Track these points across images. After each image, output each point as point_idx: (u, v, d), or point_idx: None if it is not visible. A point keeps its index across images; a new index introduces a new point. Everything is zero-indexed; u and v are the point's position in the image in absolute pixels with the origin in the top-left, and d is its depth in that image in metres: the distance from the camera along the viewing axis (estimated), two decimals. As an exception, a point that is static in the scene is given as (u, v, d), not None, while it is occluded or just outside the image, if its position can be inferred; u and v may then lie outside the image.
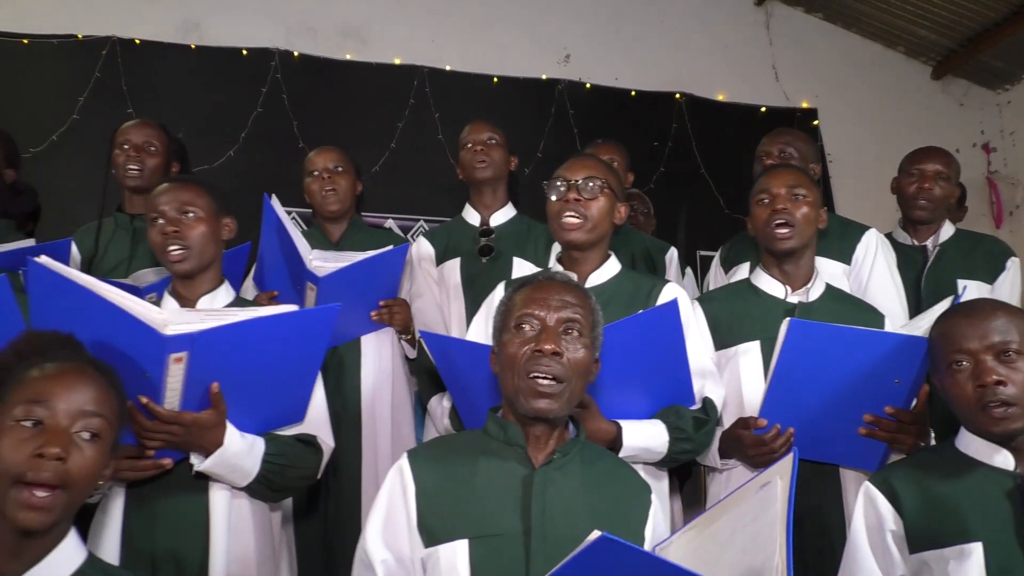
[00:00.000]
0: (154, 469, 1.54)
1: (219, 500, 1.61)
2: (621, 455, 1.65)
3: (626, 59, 4.81)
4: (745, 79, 4.92)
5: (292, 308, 1.62)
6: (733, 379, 1.89)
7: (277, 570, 1.80)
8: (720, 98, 4.84)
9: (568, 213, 1.83)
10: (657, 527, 1.41)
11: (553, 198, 1.87)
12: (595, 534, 1.03)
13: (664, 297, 1.84)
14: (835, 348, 1.67)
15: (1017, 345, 1.43)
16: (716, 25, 5.01)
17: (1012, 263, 2.51)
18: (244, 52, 4.28)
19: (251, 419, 1.60)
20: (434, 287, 2.50)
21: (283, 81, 4.28)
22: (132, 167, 2.39)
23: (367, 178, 3.01)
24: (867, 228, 2.30)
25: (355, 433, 2.30)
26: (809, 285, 1.95)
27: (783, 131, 2.54)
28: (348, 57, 4.44)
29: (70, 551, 1.18)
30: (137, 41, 4.16)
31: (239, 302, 1.79)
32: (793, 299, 1.94)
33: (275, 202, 2.14)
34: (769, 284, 1.97)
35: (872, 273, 2.19)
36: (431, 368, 2.06)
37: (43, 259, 1.45)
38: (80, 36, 4.11)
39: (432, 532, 1.31)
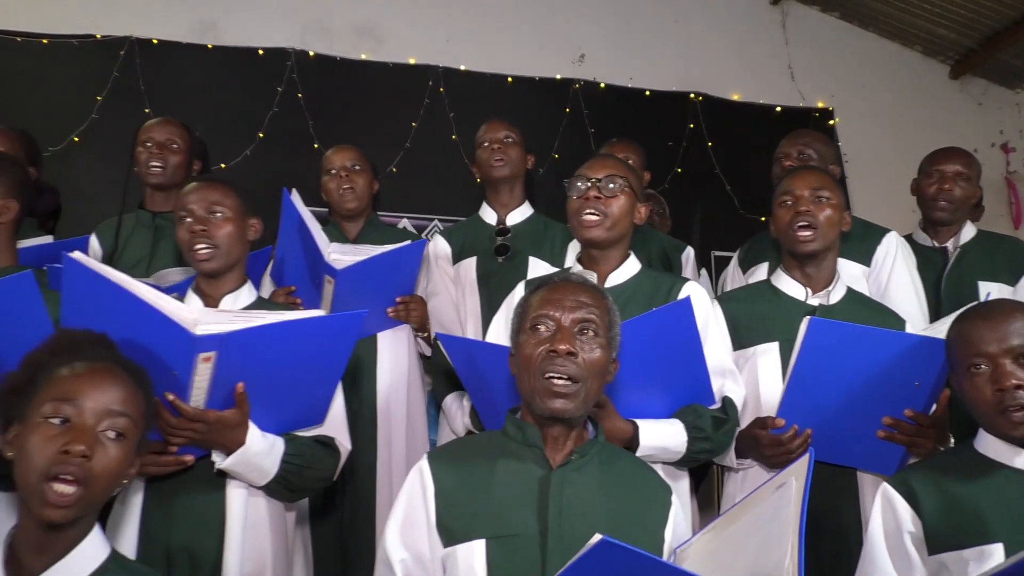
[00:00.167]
0: (176, 465, 1.56)
1: (236, 498, 1.62)
2: (638, 454, 1.64)
3: (641, 59, 4.80)
4: (760, 79, 4.90)
5: (320, 312, 1.63)
6: (751, 380, 1.88)
7: (291, 569, 1.81)
8: (735, 98, 4.83)
9: (588, 211, 1.83)
10: (678, 528, 1.41)
11: (574, 196, 1.87)
12: (596, 537, 1.04)
13: (684, 295, 1.82)
14: (855, 348, 1.66)
15: None
16: (731, 24, 4.99)
17: None
18: (260, 52, 4.31)
19: (273, 419, 1.62)
20: (450, 285, 2.51)
21: (299, 81, 4.31)
22: (155, 164, 2.41)
23: (382, 178, 3.03)
24: (887, 231, 2.28)
25: (371, 432, 2.30)
26: (830, 288, 1.94)
27: (802, 132, 2.53)
28: (363, 57, 4.46)
29: (94, 547, 1.20)
30: (155, 41, 4.20)
31: (260, 302, 1.81)
32: (813, 301, 1.93)
33: (295, 196, 2.15)
34: (790, 286, 1.97)
35: (892, 276, 2.18)
36: (446, 367, 2.07)
37: (76, 254, 1.46)
38: (99, 36, 4.15)
39: (450, 532, 1.32)
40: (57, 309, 1.60)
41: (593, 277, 1.84)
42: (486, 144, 2.54)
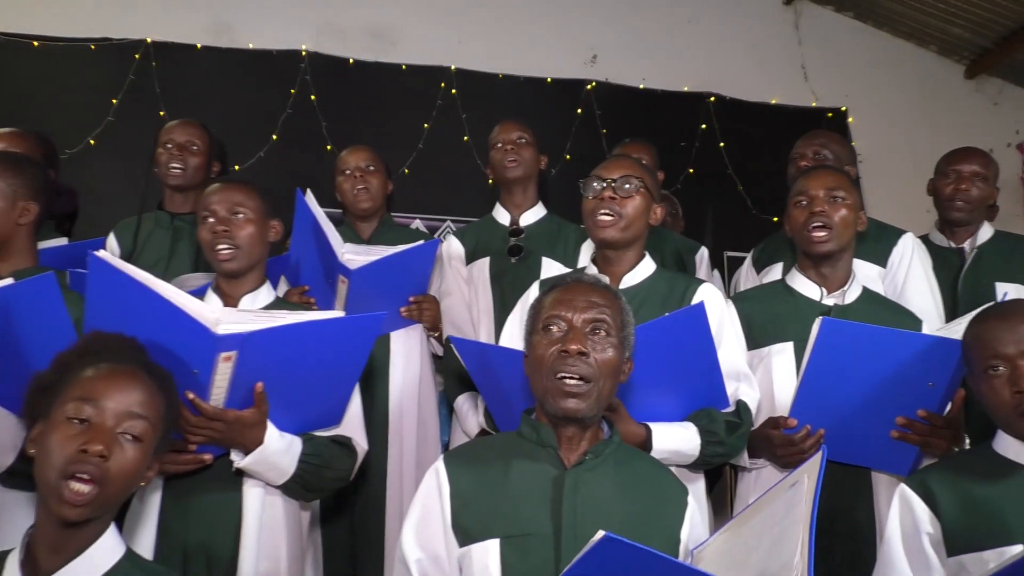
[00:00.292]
0: (195, 463, 1.58)
1: (253, 497, 1.64)
2: None
3: (653, 59, 4.80)
4: (773, 79, 4.89)
5: (339, 313, 1.64)
6: (765, 380, 1.88)
7: (305, 568, 1.82)
8: (748, 99, 4.81)
9: (603, 211, 1.83)
10: (694, 529, 1.41)
11: (589, 196, 1.87)
12: (600, 534, 1.04)
13: (698, 297, 1.83)
14: (867, 348, 1.66)
15: None
16: (744, 25, 4.98)
17: None
18: (274, 54, 4.33)
19: (291, 419, 1.63)
20: (463, 285, 2.51)
21: (312, 83, 4.33)
22: (175, 166, 2.43)
23: (395, 179, 3.04)
24: (903, 232, 2.27)
25: (382, 432, 2.31)
26: (845, 288, 1.93)
27: (818, 133, 2.52)
28: (376, 58, 4.47)
29: (109, 546, 1.21)
30: (170, 43, 4.23)
31: (279, 302, 1.82)
32: (828, 301, 1.92)
33: (309, 197, 2.16)
34: (805, 286, 1.96)
35: (908, 277, 2.16)
36: (459, 368, 2.08)
37: (102, 253, 1.48)
38: (115, 39, 4.18)
39: (466, 532, 1.33)
40: (78, 310, 1.62)
41: (604, 280, 1.84)
42: (499, 145, 2.55)
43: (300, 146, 4.23)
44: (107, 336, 1.36)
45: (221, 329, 1.46)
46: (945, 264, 2.46)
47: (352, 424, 1.76)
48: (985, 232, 2.56)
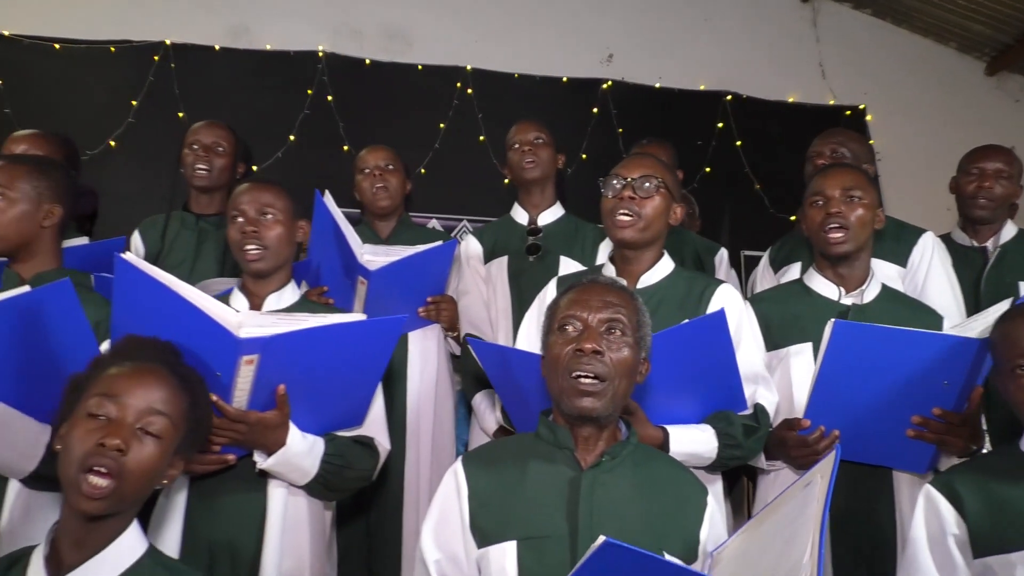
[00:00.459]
0: (219, 464, 1.59)
1: (277, 497, 1.65)
2: None
3: (670, 58, 4.78)
4: (791, 77, 4.86)
5: (360, 316, 1.66)
6: (784, 380, 1.87)
7: (328, 567, 1.84)
8: (765, 97, 4.78)
9: (622, 211, 1.82)
10: (714, 529, 1.40)
11: (608, 195, 1.86)
12: (600, 539, 1.04)
13: (717, 298, 1.83)
14: (881, 349, 1.65)
15: None
16: (761, 23, 4.95)
17: None
18: (291, 55, 4.36)
19: (313, 420, 1.64)
20: (481, 285, 2.52)
21: (329, 83, 4.35)
22: (200, 167, 2.45)
23: (412, 179, 3.04)
24: (923, 231, 2.25)
25: (400, 433, 2.32)
26: (864, 287, 1.92)
27: (835, 131, 2.50)
28: (392, 59, 4.49)
29: (131, 542, 1.22)
30: (188, 45, 4.26)
31: (303, 301, 1.84)
32: (847, 301, 1.91)
33: (328, 198, 2.17)
34: (823, 286, 1.94)
35: (928, 275, 2.15)
36: (476, 367, 2.08)
37: (128, 256, 1.50)
38: (134, 41, 4.22)
39: (484, 533, 1.34)
40: (101, 312, 1.64)
41: (621, 281, 1.83)
42: (516, 146, 2.55)
43: (317, 146, 4.25)
44: (142, 339, 1.38)
45: (243, 332, 1.48)
46: (968, 263, 2.44)
47: (375, 424, 1.77)
48: (1008, 231, 2.54)
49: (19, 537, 1.55)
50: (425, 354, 2.39)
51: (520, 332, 1.96)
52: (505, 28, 4.66)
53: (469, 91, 4.50)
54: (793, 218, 4.20)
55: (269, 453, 1.58)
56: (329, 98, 4.34)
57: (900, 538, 1.74)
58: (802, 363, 1.86)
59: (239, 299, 1.80)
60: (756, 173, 4.66)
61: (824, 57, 4.97)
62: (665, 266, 1.90)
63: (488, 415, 2.29)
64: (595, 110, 4.59)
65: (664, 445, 1.67)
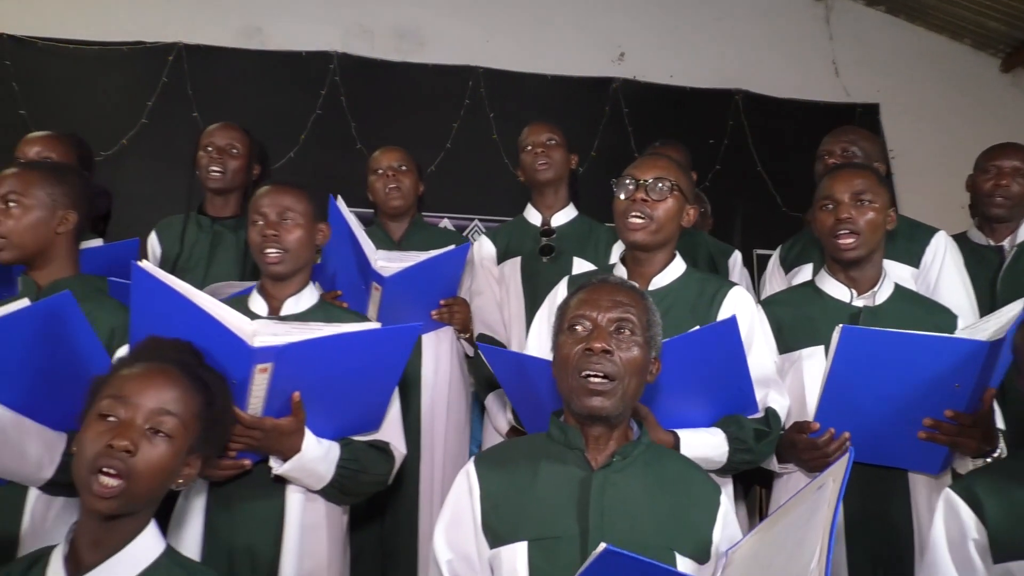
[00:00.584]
0: (235, 469, 1.60)
1: (294, 502, 1.67)
2: None
3: (681, 56, 4.77)
4: (803, 75, 4.84)
5: (375, 324, 1.67)
6: (796, 383, 1.85)
7: (347, 570, 1.85)
8: (777, 95, 4.77)
9: (634, 213, 1.80)
10: (728, 529, 1.40)
11: (621, 196, 1.83)
12: (601, 547, 1.04)
13: (729, 301, 1.81)
14: (890, 353, 1.63)
15: None
16: (774, 20, 4.93)
17: None
18: (303, 55, 4.37)
19: (329, 425, 1.65)
20: (494, 285, 2.52)
21: (341, 83, 4.37)
22: (214, 169, 2.45)
23: (424, 179, 3.05)
24: (936, 230, 2.22)
25: (414, 436, 2.32)
26: (876, 288, 1.90)
27: (846, 129, 2.46)
28: (404, 59, 4.50)
29: (148, 543, 1.23)
30: (202, 46, 4.29)
31: (322, 303, 1.84)
32: (859, 303, 1.89)
33: (341, 203, 2.18)
34: (834, 288, 1.93)
35: (941, 275, 2.12)
36: (488, 369, 2.08)
37: (145, 264, 1.51)
38: (148, 42, 4.25)
39: (495, 533, 1.34)
40: (116, 318, 1.64)
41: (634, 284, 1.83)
42: (529, 148, 2.55)
43: (330, 146, 4.27)
44: (162, 340, 1.39)
45: (257, 341, 1.49)
46: (984, 263, 2.42)
47: (390, 428, 1.78)
48: None
49: (40, 537, 1.56)
50: (438, 356, 2.40)
51: (531, 332, 1.96)
52: (516, 27, 4.66)
53: (481, 90, 4.50)
54: (806, 215, 4.18)
55: (285, 459, 1.60)
56: (342, 98, 4.35)
57: (917, 539, 1.73)
58: (814, 366, 1.84)
59: (257, 301, 1.80)
60: (768, 171, 4.65)
61: (837, 54, 4.95)
62: (677, 268, 1.88)
63: (500, 416, 2.30)
64: (606, 108, 4.58)
65: (675, 449, 1.66)
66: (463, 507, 1.39)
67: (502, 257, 2.55)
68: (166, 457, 1.22)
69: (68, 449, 1.56)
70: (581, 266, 2.40)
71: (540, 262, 2.48)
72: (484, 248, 2.58)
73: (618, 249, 2.39)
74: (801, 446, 1.74)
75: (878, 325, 1.75)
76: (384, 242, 2.46)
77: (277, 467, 1.60)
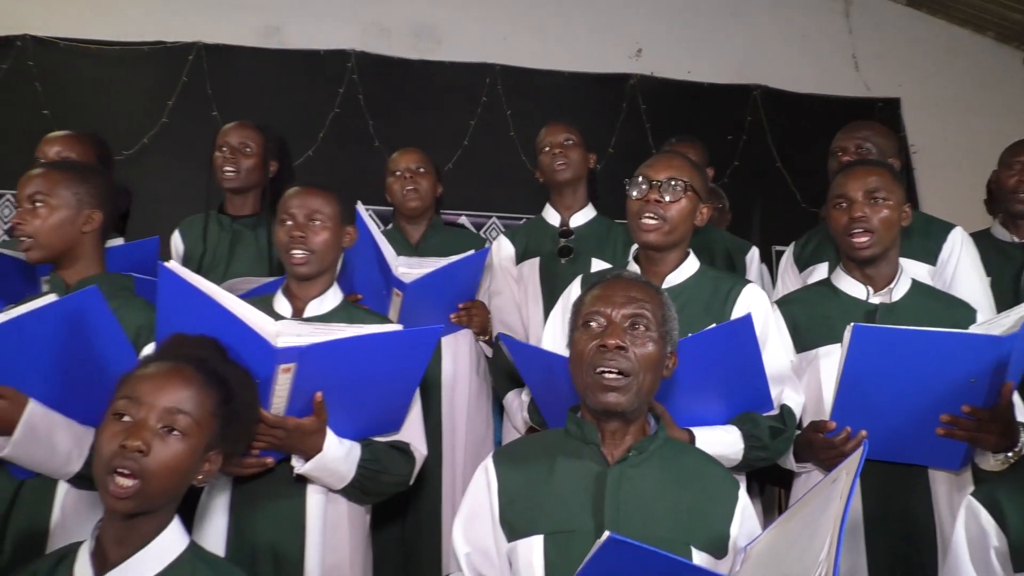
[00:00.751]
0: (258, 467, 1.62)
1: (316, 501, 1.69)
2: None
3: (699, 51, 4.75)
4: (823, 69, 4.81)
5: (397, 327, 1.68)
6: (813, 382, 1.85)
7: (369, 566, 1.86)
8: (796, 90, 4.73)
9: (647, 214, 1.80)
10: (746, 524, 1.40)
11: (634, 195, 1.83)
12: (605, 535, 1.04)
13: (743, 298, 1.81)
14: (903, 350, 1.63)
15: None
16: (792, 14, 4.90)
17: None
18: (321, 54, 4.40)
19: (350, 426, 1.67)
20: (513, 286, 2.53)
21: (359, 82, 4.38)
22: (228, 169, 2.47)
23: (442, 178, 3.06)
24: (952, 226, 2.20)
25: (435, 437, 2.34)
26: (892, 285, 1.89)
27: (860, 125, 2.43)
28: (422, 57, 4.51)
29: (172, 539, 1.25)
30: (221, 46, 4.32)
31: (344, 305, 1.86)
32: (875, 300, 1.88)
33: (362, 209, 2.20)
34: (850, 286, 1.92)
35: (957, 271, 2.11)
36: (508, 367, 2.09)
37: (171, 264, 1.54)
38: (168, 42, 4.28)
39: (512, 527, 1.36)
40: (142, 316, 1.67)
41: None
42: (547, 148, 2.55)
43: (348, 145, 4.29)
44: (186, 337, 1.41)
45: (280, 342, 1.50)
46: (1008, 259, 2.39)
47: (411, 429, 1.79)
48: None
49: (71, 533, 1.58)
50: (458, 358, 2.42)
51: (545, 331, 1.97)
52: (533, 24, 4.66)
53: (498, 87, 4.51)
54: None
55: (307, 458, 1.61)
56: (359, 96, 4.37)
57: (940, 536, 1.72)
58: (831, 364, 1.82)
59: (281, 302, 1.82)
60: (787, 167, 4.62)
61: (857, 48, 4.91)
62: (691, 266, 1.88)
63: (518, 414, 2.31)
64: (624, 105, 4.57)
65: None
66: (481, 502, 1.41)
67: (521, 258, 2.56)
68: (181, 455, 1.23)
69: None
70: (599, 267, 2.40)
71: (559, 263, 2.48)
72: (503, 249, 2.59)
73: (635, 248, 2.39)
74: (818, 445, 1.74)
75: (895, 322, 1.74)
76: (402, 244, 2.48)
77: (299, 466, 1.62)
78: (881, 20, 4.95)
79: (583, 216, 2.57)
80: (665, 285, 1.84)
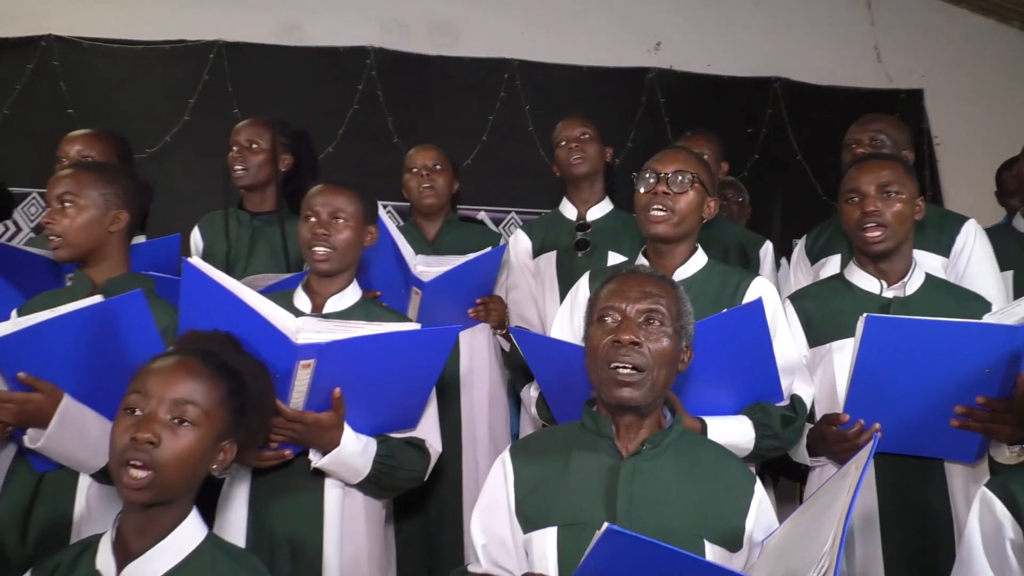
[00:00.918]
0: (276, 459, 1.66)
1: (333, 494, 1.72)
2: None
3: (719, 44, 4.73)
4: (844, 61, 4.76)
5: (415, 325, 1.71)
6: (827, 376, 1.85)
7: (388, 563, 1.89)
8: (817, 82, 4.69)
9: (655, 206, 1.82)
10: (762, 518, 1.40)
11: (641, 190, 1.86)
12: (604, 526, 1.06)
13: (752, 291, 1.82)
14: (917, 341, 1.62)
15: None
16: (813, 5, 4.86)
17: None
18: (341, 51, 4.42)
19: (367, 422, 1.70)
20: (530, 279, 2.55)
21: (378, 78, 4.41)
22: (237, 167, 2.50)
23: (459, 171, 3.07)
24: (966, 219, 2.18)
25: (456, 432, 2.36)
26: (906, 279, 1.88)
27: (873, 117, 2.41)
28: (440, 52, 4.52)
29: (192, 529, 1.28)
30: (241, 44, 4.36)
31: (363, 302, 1.88)
32: (889, 294, 1.87)
33: (380, 210, 2.22)
34: (863, 280, 1.91)
35: (970, 263, 2.09)
36: (525, 361, 2.10)
37: (195, 261, 1.58)
38: (189, 41, 4.33)
39: (528, 519, 1.39)
40: (167, 318, 1.70)
41: None
42: (563, 143, 2.56)
43: (367, 141, 4.32)
44: (200, 333, 1.45)
45: (301, 338, 1.54)
46: (1030, 252, 2.36)
47: (426, 426, 1.82)
48: None
49: (96, 525, 1.62)
50: (477, 353, 2.45)
51: (553, 326, 1.99)
52: (551, 19, 4.66)
53: (516, 82, 4.51)
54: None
55: (324, 452, 1.64)
56: (378, 92, 4.39)
57: (956, 529, 1.72)
58: (845, 359, 1.80)
59: (302, 298, 1.85)
60: (808, 160, 4.59)
61: (879, 39, 4.86)
62: (699, 260, 1.89)
63: (531, 407, 2.32)
64: (643, 99, 4.56)
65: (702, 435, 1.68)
66: (498, 494, 1.44)
67: (538, 251, 2.57)
68: (192, 446, 1.25)
69: None
70: (616, 260, 2.41)
71: (576, 257, 2.49)
72: (520, 243, 2.60)
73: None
74: (831, 438, 1.74)
75: (908, 315, 1.73)
76: (418, 240, 2.50)
77: (316, 460, 1.65)
78: (903, 10, 4.89)
79: (600, 210, 2.58)
80: (674, 279, 1.84)
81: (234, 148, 2.52)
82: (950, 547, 1.69)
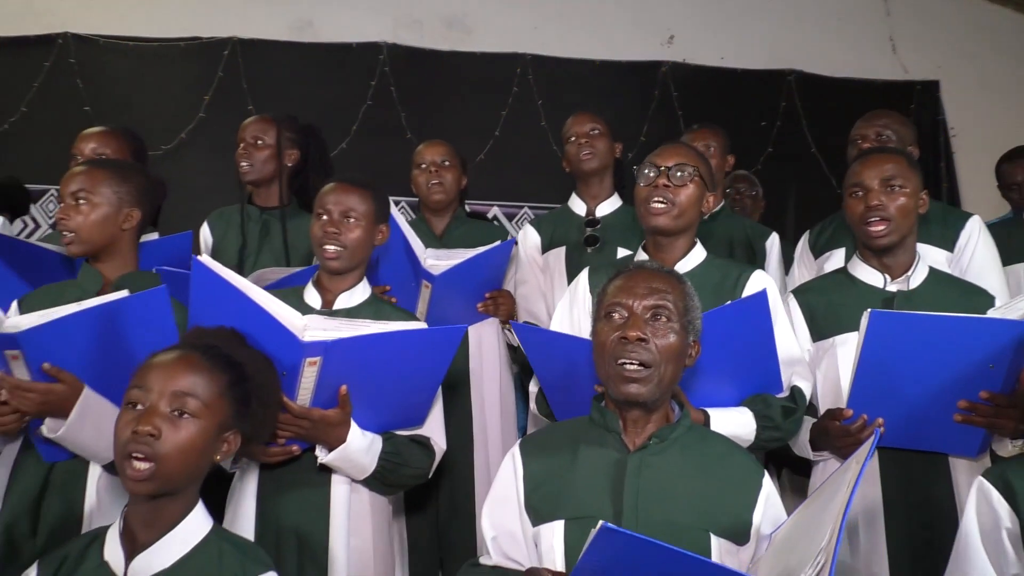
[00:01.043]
0: (284, 455, 1.68)
1: (340, 490, 1.74)
2: None
3: (732, 37, 4.71)
4: (859, 53, 4.73)
5: (422, 324, 1.73)
6: (831, 370, 1.85)
7: (394, 558, 1.91)
8: (831, 74, 4.66)
9: (656, 199, 1.83)
10: (770, 511, 1.40)
11: (642, 183, 1.88)
12: (599, 524, 1.06)
13: (751, 285, 1.83)
14: (921, 336, 1.63)
15: None
16: (827, -3, 4.82)
17: None
18: (354, 47, 4.44)
19: (373, 419, 1.72)
20: (539, 275, 2.56)
21: (391, 74, 4.43)
22: (242, 164, 2.52)
23: (472, 166, 3.08)
24: (970, 215, 2.18)
25: (466, 427, 2.38)
26: (910, 273, 1.88)
27: (879, 113, 2.42)
28: (452, 48, 4.53)
29: (197, 522, 1.31)
30: (255, 41, 4.39)
31: (372, 299, 1.90)
32: (892, 288, 1.87)
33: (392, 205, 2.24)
34: (867, 274, 1.91)
35: (973, 258, 2.09)
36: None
37: (204, 258, 1.60)
38: (203, 38, 4.36)
39: (537, 512, 1.40)
40: (179, 315, 1.72)
41: None
42: (573, 139, 2.56)
43: (380, 137, 4.34)
44: (204, 329, 1.47)
45: (308, 336, 1.56)
46: (1048, 245, 2.34)
47: (432, 424, 1.84)
48: None
49: (107, 514, 1.65)
50: (486, 347, 2.45)
51: (552, 323, 2.00)
52: (564, 13, 4.65)
53: (529, 77, 4.51)
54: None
55: (330, 448, 1.66)
56: (391, 88, 4.41)
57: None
58: (848, 353, 1.81)
59: (312, 293, 1.87)
60: (823, 153, 4.56)
61: (895, 30, 4.82)
62: (698, 254, 1.91)
63: (531, 402, 2.33)
64: (656, 93, 4.55)
65: (705, 427, 1.68)
66: (508, 488, 1.45)
67: (547, 247, 2.57)
68: (192, 437, 1.27)
69: None
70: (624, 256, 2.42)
71: (585, 252, 2.50)
72: (529, 238, 2.61)
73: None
74: (834, 433, 1.74)
75: (912, 309, 1.74)
76: (427, 235, 2.51)
77: (322, 456, 1.67)
78: (919, 0, 4.84)
79: (609, 205, 2.58)
80: None
81: (240, 145, 2.54)
82: (954, 541, 1.69)
